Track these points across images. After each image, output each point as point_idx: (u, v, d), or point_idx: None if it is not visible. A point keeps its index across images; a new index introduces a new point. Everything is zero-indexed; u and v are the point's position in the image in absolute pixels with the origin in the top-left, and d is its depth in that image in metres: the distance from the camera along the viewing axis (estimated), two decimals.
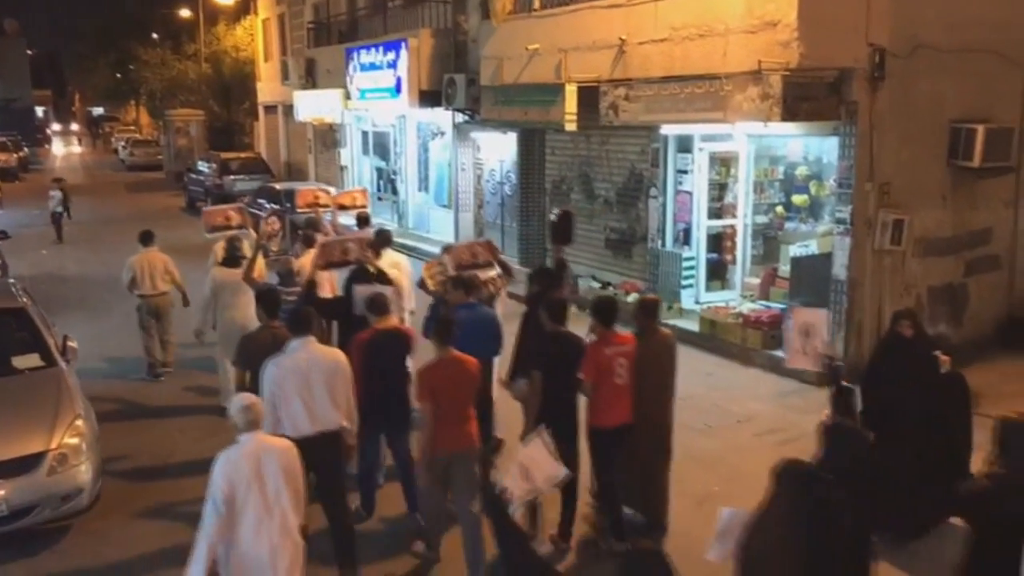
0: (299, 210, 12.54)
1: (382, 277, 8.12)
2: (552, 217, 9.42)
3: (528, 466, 5.35)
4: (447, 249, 8.79)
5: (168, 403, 9.93)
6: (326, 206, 11.78)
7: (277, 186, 21.01)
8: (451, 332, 6.10)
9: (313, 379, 5.91)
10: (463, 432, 6.04)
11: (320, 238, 9.26)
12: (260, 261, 8.88)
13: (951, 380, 6.73)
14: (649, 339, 6.62)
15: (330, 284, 8.75)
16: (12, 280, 10.21)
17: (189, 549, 4.82)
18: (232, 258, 9.21)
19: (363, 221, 10.66)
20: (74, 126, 69.30)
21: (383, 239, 8.98)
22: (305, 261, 8.69)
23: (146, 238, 10.83)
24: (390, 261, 8.98)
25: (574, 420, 6.45)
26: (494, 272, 8.48)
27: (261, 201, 19.45)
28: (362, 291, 7.37)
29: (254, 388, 5.95)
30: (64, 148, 58.77)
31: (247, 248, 9.41)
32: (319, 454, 5.84)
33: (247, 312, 8.13)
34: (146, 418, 9.52)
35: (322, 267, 8.24)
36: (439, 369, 5.98)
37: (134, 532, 6.92)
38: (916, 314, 7.33)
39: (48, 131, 70.79)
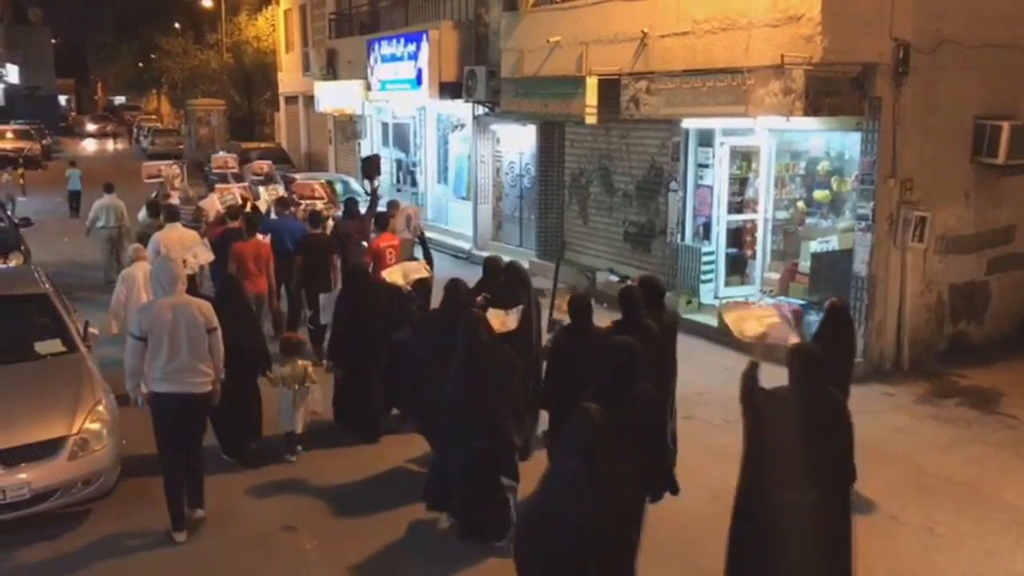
0: (214, 171, 17.68)
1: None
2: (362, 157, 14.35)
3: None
4: (296, 183, 15.98)
5: None
6: (234, 168, 17.53)
7: (297, 176, 21.06)
8: (255, 226, 10.95)
9: (181, 245, 10.57)
10: (256, 283, 10.38)
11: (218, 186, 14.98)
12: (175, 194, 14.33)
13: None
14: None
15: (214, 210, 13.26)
16: (35, 266, 10.32)
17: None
18: (157, 195, 14.41)
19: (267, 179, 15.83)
20: (110, 127, 65.93)
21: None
22: (206, 203, 13.68)
23: (109, 188, 15.61)
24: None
25: (326, 284, 10.48)
26: (327, 202, 14.28)
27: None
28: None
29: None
30: (97, 145, 57.20)
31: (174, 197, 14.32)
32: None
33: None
34: None
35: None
36: (243, 246, 10.50)
37: (153, 515, 6.95)
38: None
39: (72, 123, 70.20)
